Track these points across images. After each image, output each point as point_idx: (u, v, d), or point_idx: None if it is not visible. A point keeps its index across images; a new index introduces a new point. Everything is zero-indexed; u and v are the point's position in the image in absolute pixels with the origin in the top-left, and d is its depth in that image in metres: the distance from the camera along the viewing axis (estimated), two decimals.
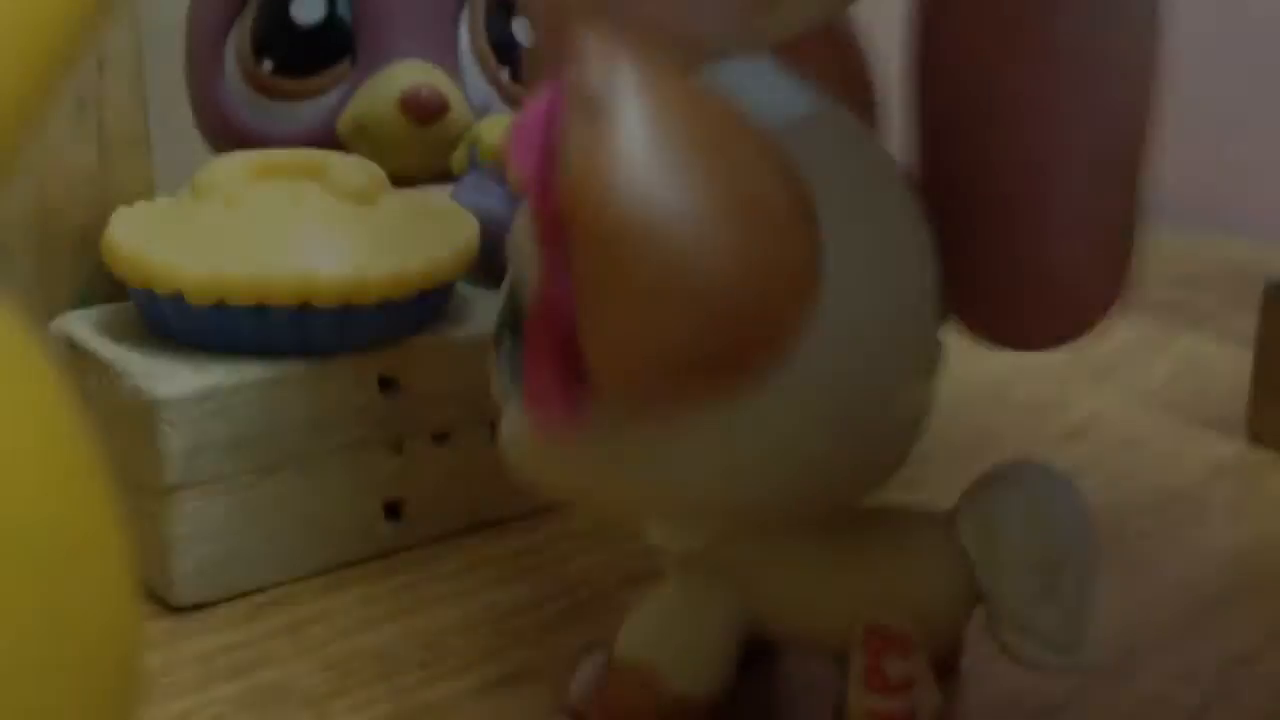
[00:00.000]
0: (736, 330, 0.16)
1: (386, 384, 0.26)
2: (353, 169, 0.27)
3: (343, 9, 0.33)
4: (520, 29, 0.35)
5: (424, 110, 0.32)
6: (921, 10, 0.20)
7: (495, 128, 0.32)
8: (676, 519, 0.19)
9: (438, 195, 0.30)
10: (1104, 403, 0.35)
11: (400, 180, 0.29)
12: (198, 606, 0.25)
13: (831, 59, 0.21)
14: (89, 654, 0.11)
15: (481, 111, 0.34)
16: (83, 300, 0.30)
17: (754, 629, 0.21)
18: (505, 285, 0.19)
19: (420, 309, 0.26)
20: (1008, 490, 0.20)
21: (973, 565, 0.20)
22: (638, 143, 0.15)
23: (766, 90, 0.18)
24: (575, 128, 0.15)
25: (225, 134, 0.33)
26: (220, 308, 0.25)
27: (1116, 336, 0.37)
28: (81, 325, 0.26)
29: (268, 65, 0.33)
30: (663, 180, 0.15)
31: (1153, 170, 0.19)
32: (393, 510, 0.27)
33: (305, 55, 0.33)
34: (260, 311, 0.25)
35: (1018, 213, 0.19)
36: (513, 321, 0.18)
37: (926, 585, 0.20)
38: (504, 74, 0.35)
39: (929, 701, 0.20)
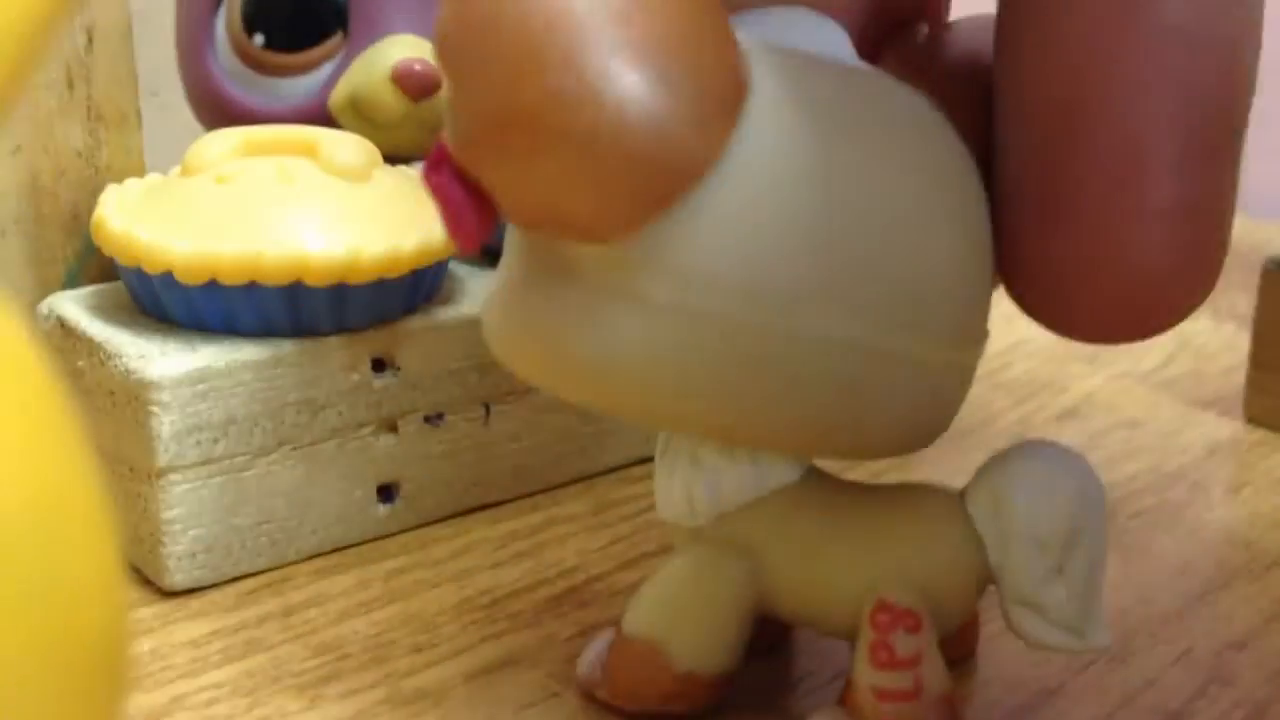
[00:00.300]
0: (584, 112, 0.16)
1: (380, 364, 0.26)
2: (345, 145, 0.27)
3: None
4: None
5: (417, 85, 0.31)
6: None
7: None
8: (609, 392, 0.18)
9: None
10: (1100, 383, 0.35)
11: (393, 157, 0.29)
12: (189, 591, 0.24)
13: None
14: (76, 638, 0.11)
15: None
16: (72, 280, 0.30)
17: (764, 607, 0.20)
18: None
19: (414, 288, 0.26)
20: (1020, 467, 0.20)
21: (984, 543, 0.19)
22: None
23: (802, 34, 0.18)
24: None
25: (216, 110, 0.33)
26: (211, 287, 0.24)
27: None
28: (71, 305, 0.26)
29: (259, 39, 0.32)
30: None
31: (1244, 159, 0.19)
32: (386, 493, 0.27)
33: (297, 29, 0.32)
34: (251, 290, 0.24)
35: (1110, 197, 0.18)
36: None
37: (937, 563, 0.20)
38: None
39: (937, 679, 0.20)
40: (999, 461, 0.20)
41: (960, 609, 0.20)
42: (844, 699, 0.20)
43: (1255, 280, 0.32)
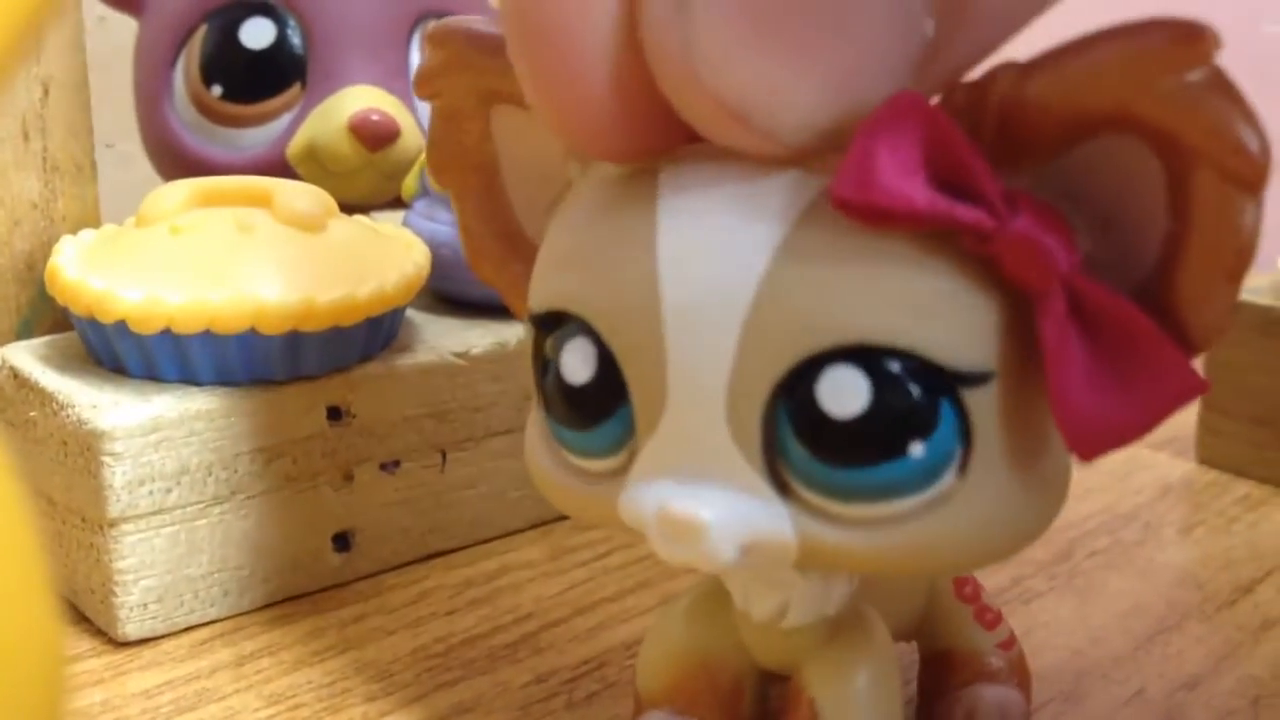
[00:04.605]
0: None
1: (335, 412, 0.26)
2: (300, 195, 0.27)
3: (293, 34, 0.32)
4: None
5: (375, 135, 0.31)
6: None
7: None
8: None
9: (388, 221, 0.30)
10: None
11: (351, 207, 0.29)
12: (142, 641, 0.24)
13: None
14: (12, 691, 0.11)
15: None
16: (26, 330, 0.30)
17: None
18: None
19: (370, 336, 0.26)
20: None
21: None
22: None
23: None
24: None
25: (175, 160, 0.33)
26: (164, 336, 0.24)
27: None
28: (25, 355, 0.26)
29: (217, 90, 0.33)
30: None
31: None
32: (341, 541, 0.26)
33: (255, 80, 0.33)
34: (205, 339, 0.24)
35: None
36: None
37: None
38: None
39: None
40: None
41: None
42: (969, 681, 0.21)
43: None
